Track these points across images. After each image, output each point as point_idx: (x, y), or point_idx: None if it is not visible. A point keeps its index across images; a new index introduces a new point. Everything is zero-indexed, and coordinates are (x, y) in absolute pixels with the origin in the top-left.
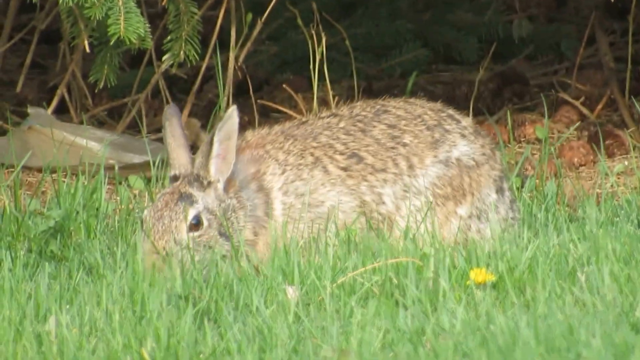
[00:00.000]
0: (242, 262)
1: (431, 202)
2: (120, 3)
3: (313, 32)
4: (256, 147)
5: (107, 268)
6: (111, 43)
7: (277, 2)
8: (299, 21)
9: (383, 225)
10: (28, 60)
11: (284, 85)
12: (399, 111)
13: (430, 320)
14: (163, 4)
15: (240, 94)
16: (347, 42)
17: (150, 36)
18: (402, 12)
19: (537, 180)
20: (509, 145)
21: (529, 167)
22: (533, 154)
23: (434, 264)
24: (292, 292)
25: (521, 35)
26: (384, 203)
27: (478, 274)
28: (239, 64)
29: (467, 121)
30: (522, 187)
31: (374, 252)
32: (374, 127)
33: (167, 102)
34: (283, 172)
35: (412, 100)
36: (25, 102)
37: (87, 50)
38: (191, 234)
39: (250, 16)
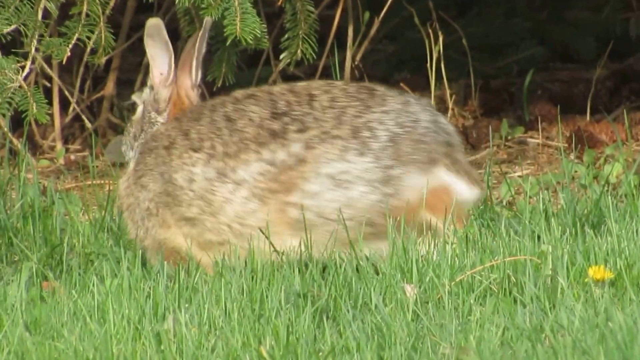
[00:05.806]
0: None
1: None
2: (237, 4)
3: (430, 30)
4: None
5: (225, 267)
6: (227, 43)
7: (394, 0)
8: (416, 20)
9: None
10: (146, 60)
11: (401, 84)
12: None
13: (549, 318)
14: (279, 3)
15: None
16: (464, 41)
17: (267, 36)
18: (518, 10)
19: None
20: (627, 144)
21: None
22: None
23: (552, 262)
24: (410, 290)
25: (638, 33)
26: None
27: (596, 272)
28: (355, 62)
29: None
30: None
31: (492, 250)
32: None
33: None
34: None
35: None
36: None
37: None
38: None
39: (367, 15)
